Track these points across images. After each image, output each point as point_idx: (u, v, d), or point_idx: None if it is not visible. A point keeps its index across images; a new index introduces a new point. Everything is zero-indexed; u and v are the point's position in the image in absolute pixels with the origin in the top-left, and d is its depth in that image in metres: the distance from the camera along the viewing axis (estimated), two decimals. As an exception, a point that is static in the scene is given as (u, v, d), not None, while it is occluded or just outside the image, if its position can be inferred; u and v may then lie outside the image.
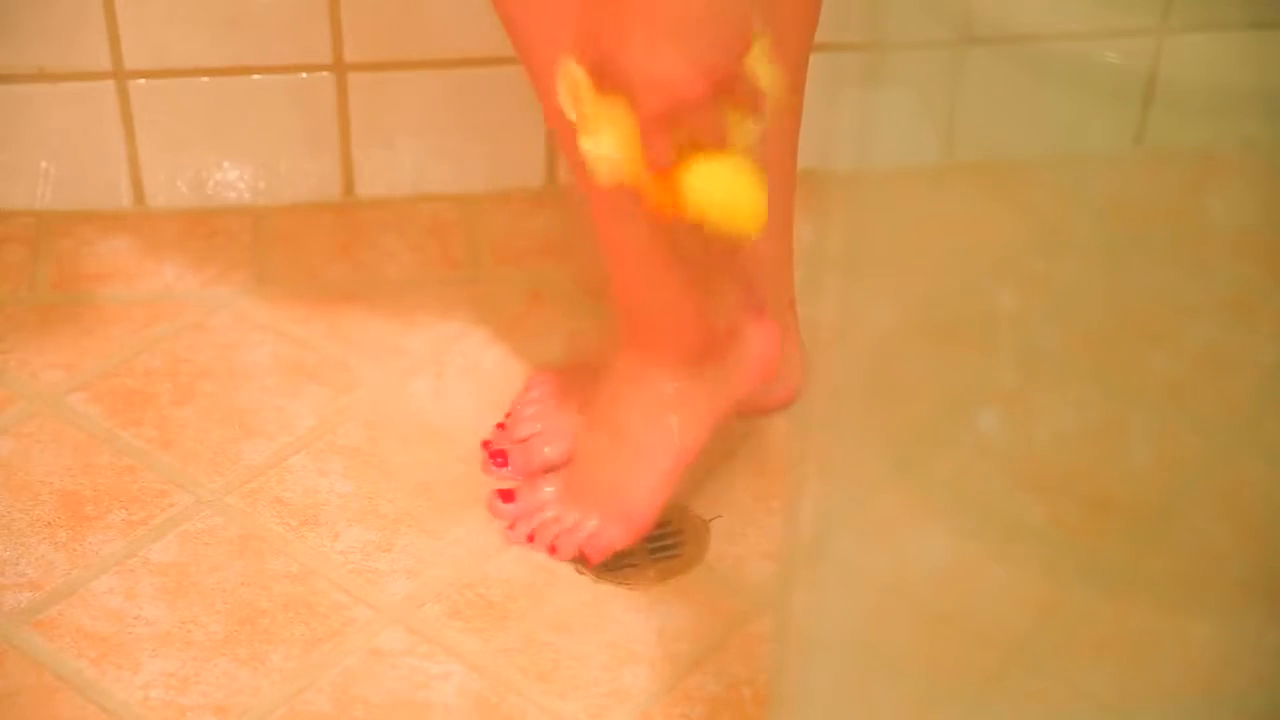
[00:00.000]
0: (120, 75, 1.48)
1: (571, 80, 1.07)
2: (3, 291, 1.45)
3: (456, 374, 1.40)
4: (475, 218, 1.53)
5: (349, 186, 1.54)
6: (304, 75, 1.50)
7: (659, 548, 1.27)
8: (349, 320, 1.44)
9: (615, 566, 1.26)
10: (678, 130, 1.06)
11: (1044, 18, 1.16)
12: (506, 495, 1.29)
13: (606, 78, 1.06)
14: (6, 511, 1.28)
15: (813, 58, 1.32)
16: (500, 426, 1.34)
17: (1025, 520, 1.13)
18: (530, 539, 1.27)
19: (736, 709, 1.17)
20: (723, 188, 1.09)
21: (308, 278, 1.47)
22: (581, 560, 1.26)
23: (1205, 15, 1.36)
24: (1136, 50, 1.33)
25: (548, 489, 1.28)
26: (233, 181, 1.53)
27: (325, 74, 1.50)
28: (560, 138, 1.19)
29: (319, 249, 1.50)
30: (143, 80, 1.49)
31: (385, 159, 1.54)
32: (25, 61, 1.47)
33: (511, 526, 1.28)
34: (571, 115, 1.09)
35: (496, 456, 1.31)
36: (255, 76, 1.50)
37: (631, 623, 1.22)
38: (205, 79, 1.49)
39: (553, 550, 1.26)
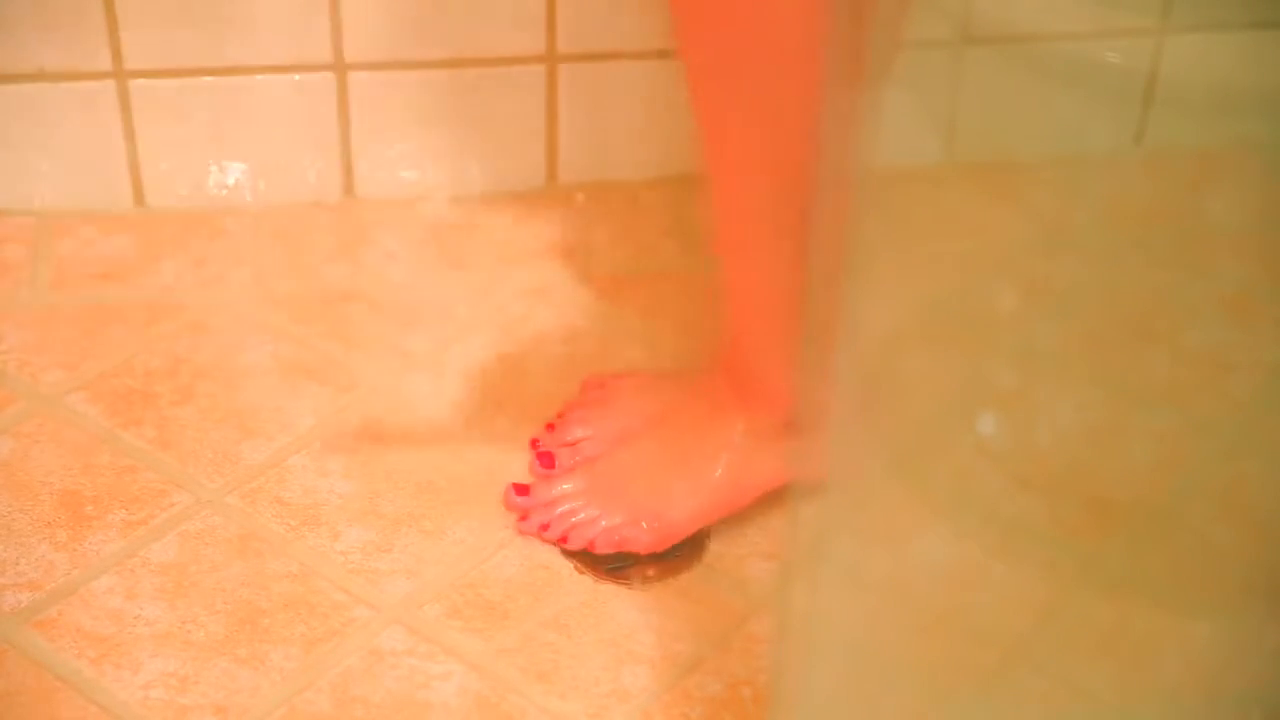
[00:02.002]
0: (120, 75, 1.48)
1: None
2: (3, 291, 1.45)
3: (456, 374, 1.40)
4: (475, 218, 1.53)
5: (349, 186, 1.54)
6: (304, 75, 1.50)
7: (659, 548, 1.27)
8: (349, 320, 1.44)
9: (615, 566, 1.26)
10: None
11: (1044, 18, 1.16)
12: (522, 489, 1.29)
13: None
14: (6, 511, 1.28)
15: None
16: (550, 427, 1.34)
17: (1025, 520, 1.13)
18: (544, 528, 1.27)
19: (736, 709, 1.17)
20: None
21: (308, 278, 1.47)
22: (585, 554, 1.26)
23: (1205, 15, 1.36)
24: (1136, 50, 1.33)
25: (565, 485, 1.28)
26: (233, 181, 1.53)
27: (325, 74, 1.50)
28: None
29: (319, 249, 1.50)
30: (143, 80, 1.49)
31: (385, 159, 1.54)
32: (25, 61, 1.47)
33: (524, 517, 1.28)
34: None
35: (544, 457, 1.31)
36: (255, 76, 1.50)
37: (631, 623, 1.22)
38: (205, 79, 1.49)
39: (563, 540, 1.26)
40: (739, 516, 1.29)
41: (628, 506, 1.26)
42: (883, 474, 1.12)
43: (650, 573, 1.26)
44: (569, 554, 1.26)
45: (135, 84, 1.49)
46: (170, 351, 1.40)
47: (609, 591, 1.24)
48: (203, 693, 1.17)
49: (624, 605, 1.24)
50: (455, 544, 1.27)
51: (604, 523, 1.26)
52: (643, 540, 1.25)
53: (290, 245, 1.50)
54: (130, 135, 1.50)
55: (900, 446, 1.17)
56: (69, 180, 1.52)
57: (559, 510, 1.27)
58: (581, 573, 1.25)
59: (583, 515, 1.26)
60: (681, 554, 1.27)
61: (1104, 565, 1.12)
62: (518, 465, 1.32)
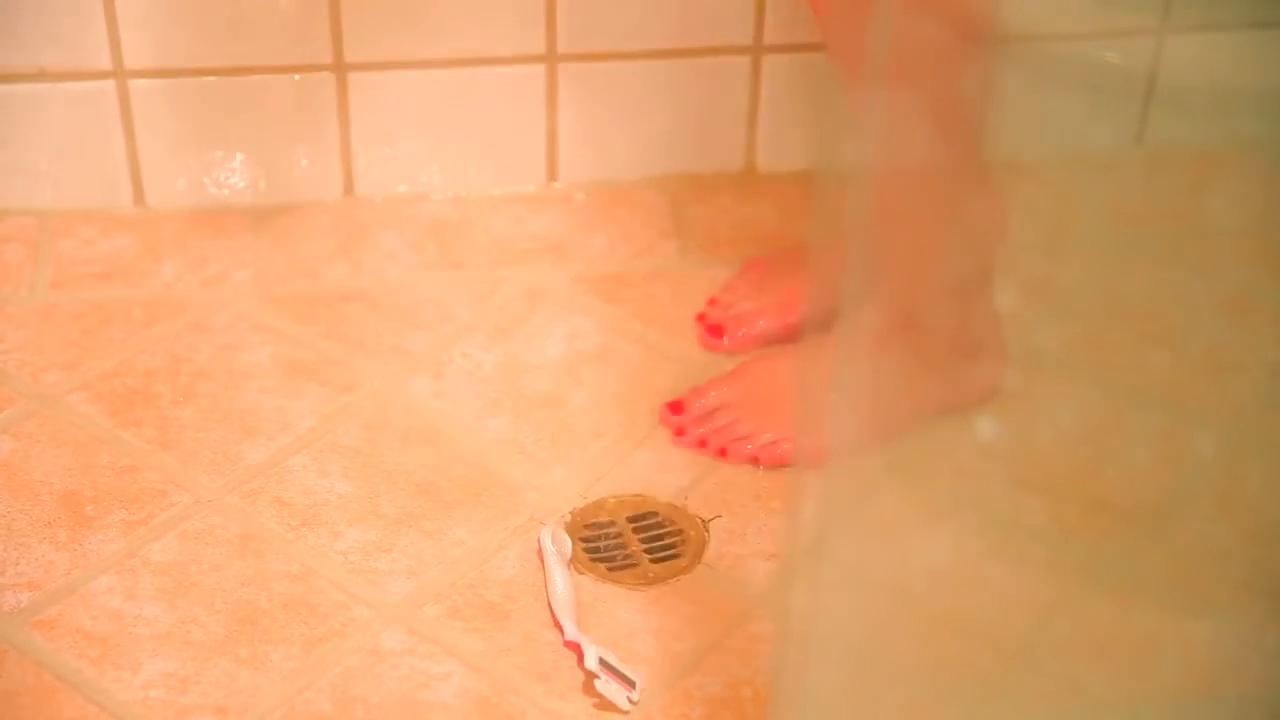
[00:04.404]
0: (120, 75, 1.48)
1: None
2: (3, 291, 1.45)
3: (456, 374, 1.40)
4: (475, 218, 1.53)
5: (349, 186, 1.54)
6: (303, 75, 1.50)
7: (659, 548, 1.27)
8: (349, 320, 1.43)
9: (615, 566, 1.26)
10: None
11: (1044, 18, 1.16)
12: (675, 406, 1.34)
13: None
14: (6, 511, 1.28)
15: (810, 59, 1.32)
16: (712, 302, 1.41)
17: (1025, 520, 1.13)
18: (702, 443, 1.32)
19: (736, 709, 1.17)
20: None
21: (308, 278, 1.47)
22: (584, 554, 1.26)
23: (1205, 15, 1.36)
24: (1136, 50, 1.33)
25: (718, 396, 1.33)
26: (233, 181, 1.53)
27: (325, 74, 1.50)
28: None
29: (319, 249, 1.50)
30: (143, 80, 1.49)
31: (385, 159, 1.54)
32: (25, 61, 1.47)
33: (680, 432, 1.33)
34: None
35: (713, 329, 1.38)
36: (255, 76, 1.50)
37: (631, 623, 1.22)
38: (205, 79, 1.49)
39: (723, 453, 1.31)
40: (739, 516, 1.29)
41: (778, 422, 1.29)
42: (883, 474, 1.13)
43: (650, 573, 1.26)
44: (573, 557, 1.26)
45: (135, 84, 1.49)
46: (170, 351, 1.40)
47: (609, 591, 1.24)
48: (203, 693, 1.17)
49: (624, 605, 1.24)
50: (455, 544, 1.27)
51: (762, 439, 1.30)
52: (806, 456, 1.28)
53: (290, 245, 1.50)
54: (130, 135, 1.50)
55: (900, 446, 1.17)
56: (69, 180, 1.51)
57: (716, 424, 1.32)
58: (581, 572, 1.25)
59: (738, 430, 1.31)
60: (681, 554, 1.27)
61: (1104, 565, 1.13)
62: (517, 465, 1.32)
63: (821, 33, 1.29)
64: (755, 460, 1.31)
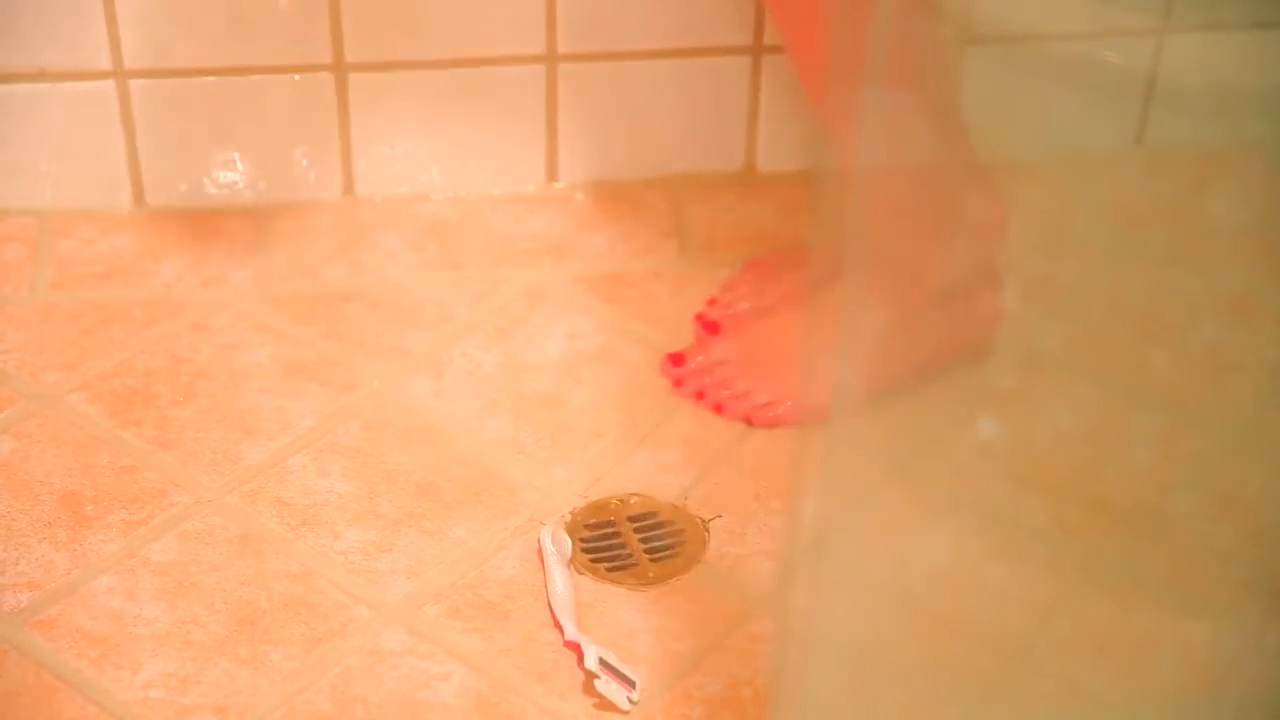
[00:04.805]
0: (120, 75, 1.48)
1: None
2: (3, 291, 1.45)
3: (456, 374, 1.40)
4: (475, 218, 1.53)
5: (349, 186, 1.54)
6: (303, 75, 1.50)
7: (659, 548, 1.27)
8: (349, 320, 1.44)
9: (615, 566, 1.26)
10: None
11: (1044, 18, 1.16)
12: (677, 358, 1.36)
13: None
14: (6, 511, 1.28)
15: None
16: (712, 302, 1.41)
17: (1025, 520, 1.13)
18: (699, 395, 1.34)
19: (736, 709, 1.17)
20: None
21: (308, 278, 1.47)
22: (586, 554, 1.26)
23: (1205, 15, 1.36)
24: (1136, 50, 1.33)
25: (718, 352, 1.35)
26: (233, 181, 1.53)
27: (325, 74, 1.50)
28: None
29: (319, 249, 1.50)
30: (143, 80, 1.49)
31: (385, 159, 1.54)
32: (25, 61, 1.47)
33: (679, 383, 1.35)
34: None
35: (710, 326, 1.38)
36: (255, 76, 1.50)
37: (631, 623, 1.22)
38: (205, 79, 1.49)
39: (718, 409, 1.33)
40: (739, 516, 1.29)
41: (773, 381, 1.31)
42: (883, 474, 1.13)
43: (650, 573, 1.26)
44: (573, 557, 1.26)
45: (135, 84, 1.49)
46: (170, 351, 1.40)
47: (609, 591, 1.24)
48: (203, 693, 1.17)
49: (624, 605, 1.24)
50: (455, 544, 1.27)
51: (757, 399, 1.32)
52: (796, 418, 1.30)
53: (290, 245, 1.50)
54: (130, 135, 1.50)
55: (900, 446, 1.17)
56: (69, 180, 1.51)
57: (715, 378, 1.34)
58: (581, 573, 1.26)
59: (736, 387, 1.33)
60: (681, 554, 1.27)
61: (1104, 565, 1.13)
62: (517, 465, 1.32)
63: (780, 31, 1.30)
64: (748, 419, 1.33)
